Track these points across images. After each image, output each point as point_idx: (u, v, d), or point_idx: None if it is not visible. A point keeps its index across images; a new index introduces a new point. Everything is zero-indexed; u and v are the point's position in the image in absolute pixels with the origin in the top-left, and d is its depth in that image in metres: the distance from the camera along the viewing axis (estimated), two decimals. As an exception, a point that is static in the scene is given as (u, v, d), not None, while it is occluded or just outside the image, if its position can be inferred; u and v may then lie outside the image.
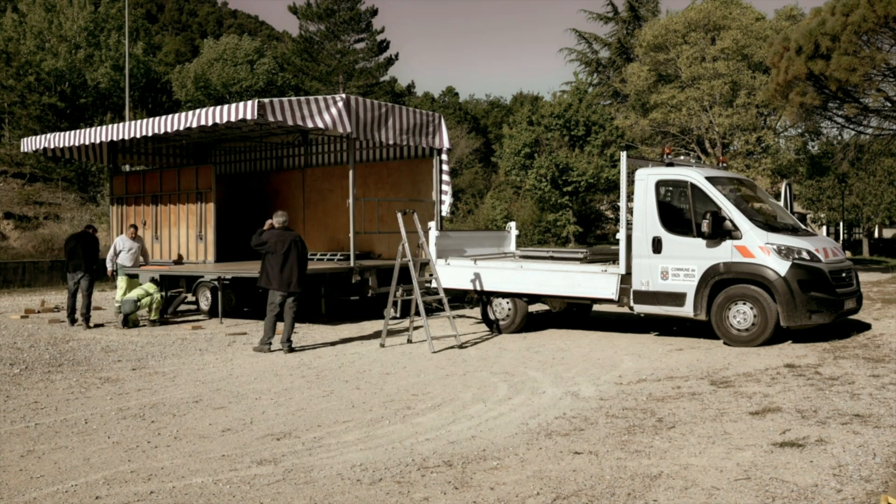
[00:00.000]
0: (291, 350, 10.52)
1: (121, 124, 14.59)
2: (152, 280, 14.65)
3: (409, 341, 11.19)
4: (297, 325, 13.24)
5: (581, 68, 49.00)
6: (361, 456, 5.63)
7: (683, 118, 31.90)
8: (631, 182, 11.02)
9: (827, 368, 8.48)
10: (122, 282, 13.97)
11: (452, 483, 5.01)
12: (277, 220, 10.67)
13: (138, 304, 13.27)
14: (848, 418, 6.35)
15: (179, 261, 16.27)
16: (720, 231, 10.13)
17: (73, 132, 15.61)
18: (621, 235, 10.95)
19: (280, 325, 10.64)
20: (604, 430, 6.18)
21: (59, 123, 33.52)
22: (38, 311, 15.66)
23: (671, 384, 7.94)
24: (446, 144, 15.10)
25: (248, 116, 11.94)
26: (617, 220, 34.60)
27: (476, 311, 14.14)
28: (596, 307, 13.16)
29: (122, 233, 17.24)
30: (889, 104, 22.43)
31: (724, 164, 12.79)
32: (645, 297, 10.75)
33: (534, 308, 12.98)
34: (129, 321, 13.29)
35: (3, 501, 4.83)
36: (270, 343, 10.48)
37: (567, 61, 55.25)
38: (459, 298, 14.44)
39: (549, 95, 58.95)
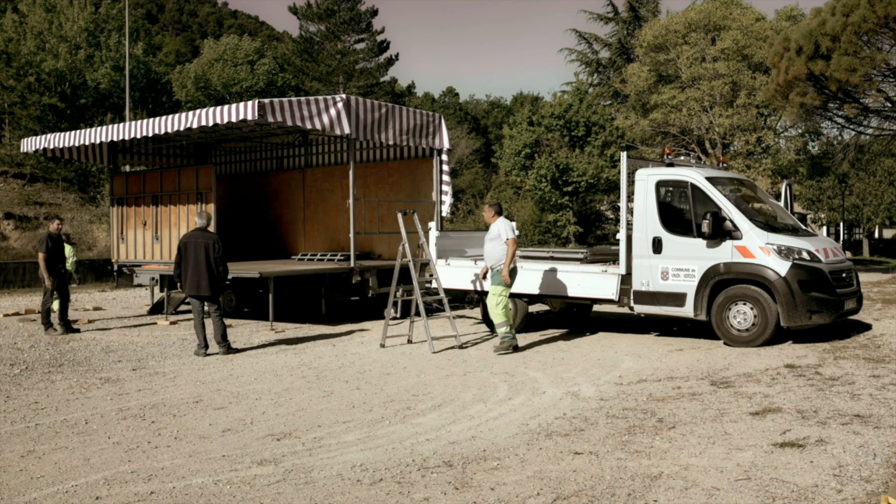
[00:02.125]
0: (230, 351, 10.33)
1: (121, 124, 14.58)
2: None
3: (410, 341, 11.19)
4: (298, 325, 13.30)
5: (581, 68, 49.05)
6: (361, 456, 5.63)
7: (684, 118, 31.91)
8: (631, 182, 11.02)
9: (827, 369, 8.48)
10: None
11: (453, 483, 5.01)
12: (197, 220, 10.38)
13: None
14: (848, 418, 6.35)
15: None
16: (720, 231, 10.13)
17: (73, 132, 15.60)
18: (621, 236, 10.95)
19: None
20: (604, 431, 6.18)
21: (59, 124, 33.55)
22: (39, 311, 15.64)
23: (671, 384, 7.94)
24: (446, 145, 15.10)
25: (249, 117, 11.94)
26: (617, 221, 34.61)
27: (476, 311, 14.14)
28: (596, 307, 13.17)
29: (123, 233, 17.24)
30: (889, 104, 22.44)
31: (725, 165, 12.79)
32: (645, 297, 10.75)
33: (534, 308, 12.99)
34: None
35: (4, 501, 4.83)
36: (207, 346, 10.21)
37: (567, 61, 55.31)
38: (459, 299, 14.44)
39: (550, 96, 59.05)
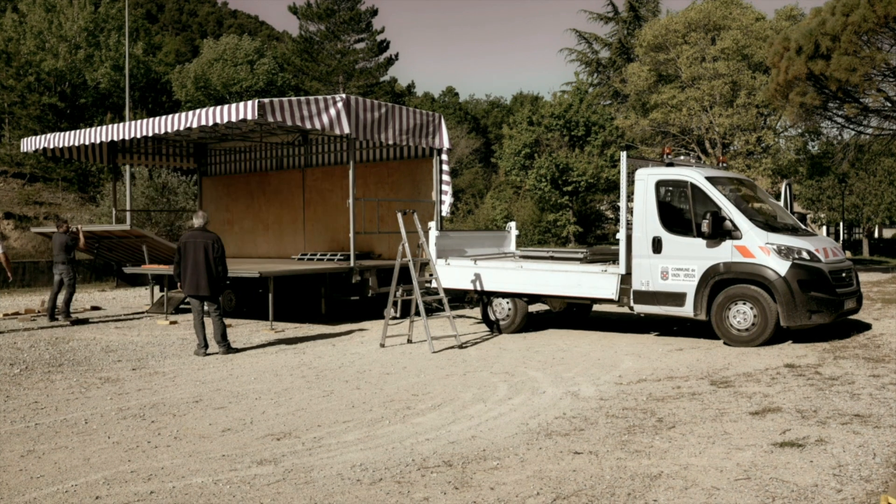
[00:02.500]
0: (230, 350, 10.39)
1: (121, 124, 14.58)
2: None
3: (409, 341, 11.19)
4: (298, 325, 13.30)
5: (581, 68, 49.03)
6: (361, 456, 5.63)
7: (683, 118, 31.88)
8: (631, 182, 11.02)
9: (827, 368, 8.48)
10: None
11: (452, 483, 5.01)
12: (195, 221, 10.50)
13: None
14: (848, 418, 6.35)
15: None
16: (720, 231, 10.13)
17: (73, 132, 15.60)
18: (621, 235, 10.95)
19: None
20: (604, 430, 6.19)
21: (59, 123, 33.54)
22: (38, 311, 15.66)
23: (671, 384, 7.94)
24: (446, 144, 15.09)
25: (248, 116, 11.95)
26: (617, 220, 34.62)
27: (476, 311, 14.14)
28: (596, 307, 13.17)
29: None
30: (889, 104, 22.43)
31: (724, 164, 12.79)
32: (645, 297, 10.75)
33: (534, 308, 12.99)
34: None
35: (4, 501, 4.83)
36: (206, 346, 10.32)
37: (567, 61, 55.26)
38: (459, 298, 14.43)
39: (550, 95, 59.03)
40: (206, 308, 10.41)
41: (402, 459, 5.52)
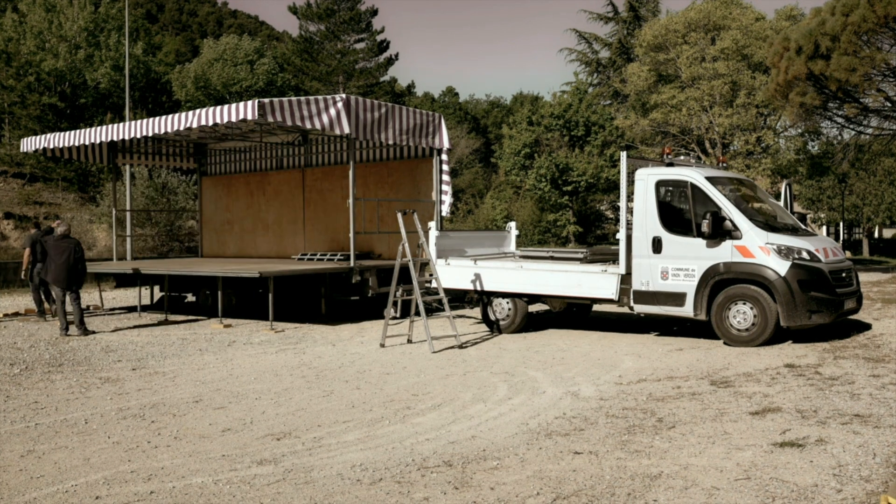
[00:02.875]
0: (87, 332, 12.27)
1: (121, 124, 14.59)
2: None
3: (409, 341, 11.19)
4: (298, 325, 13.34)
5: (581, 68, 49.05)
6: (361, 456, 5.63)
7: (683, 118, 31.87)
8: (631, 182, 11.02)
9: (827, 368, 8.48)
10: None
11: (452, 483, 5.01)
12: (59, 229, 12.65)
13: None
14: (848, 418, 6.35)
15: None
16: (720, 231, 10.13)
17: (73, 132, 15.62)
18: (621, 235, 10.95)
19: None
20: (604, 430, 6.19)
21: (59, 123, 33.56)
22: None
23: (671, 384, 7.94)
24: (446, 144, 15.09)
25: (248, 116, 11.95)
26: (617, 220, 34.61)
27: (476, 311, 14.14)
28: (596, 307, 13.17)
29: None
30: (889, 104, 22.44)
31: (724, 164, 12.79)
32: (645, 297, 10.75)
33: (534, 308, 12.99)
34: None
35: (3, 501, 4.83)
36: (67, 328, 12.24)
37: (567, 61, 55.37)
38: (459, 298, 14.44)
39: (549, 95, 59.02)
40: (68, 297, 12.38)
41: (402, 459, 5.52)
